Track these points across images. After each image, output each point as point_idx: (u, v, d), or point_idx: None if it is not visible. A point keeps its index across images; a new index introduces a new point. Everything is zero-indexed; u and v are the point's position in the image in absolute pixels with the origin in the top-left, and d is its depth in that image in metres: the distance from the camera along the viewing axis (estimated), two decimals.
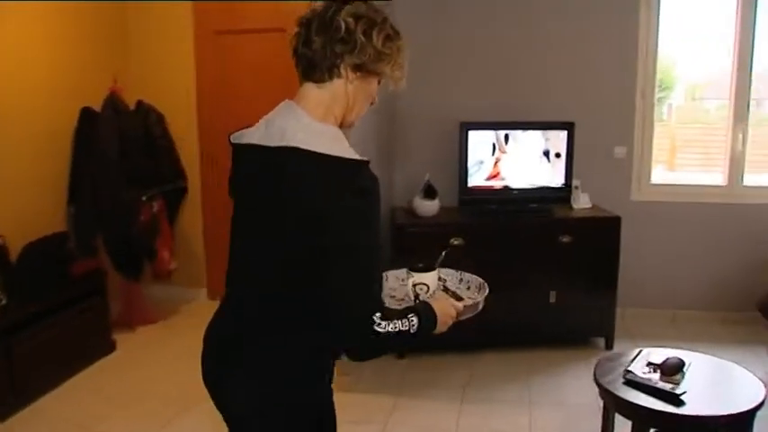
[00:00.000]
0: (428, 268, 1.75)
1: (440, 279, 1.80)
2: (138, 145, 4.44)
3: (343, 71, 1.46)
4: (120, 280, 4.53)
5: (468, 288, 1.83)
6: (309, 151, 1.37)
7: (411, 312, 1.45)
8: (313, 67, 1.47)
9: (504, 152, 4.10)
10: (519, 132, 4.11)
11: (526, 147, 4.13)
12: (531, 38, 4.43)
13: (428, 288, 1.74)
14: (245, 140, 1.53)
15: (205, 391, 1.60)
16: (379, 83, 1.54)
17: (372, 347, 1.41)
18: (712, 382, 2.57)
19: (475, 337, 3.98)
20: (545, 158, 4.14)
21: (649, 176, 4.55)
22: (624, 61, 4.40)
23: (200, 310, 4.67)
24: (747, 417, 2.37)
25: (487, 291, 1.76)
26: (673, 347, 2.95)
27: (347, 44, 1.43)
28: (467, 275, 1.88)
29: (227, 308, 1.59)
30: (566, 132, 4.11)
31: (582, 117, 4.26)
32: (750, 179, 4.52)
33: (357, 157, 1.39)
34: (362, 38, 1.42)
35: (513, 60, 4.46)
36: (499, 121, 4.18)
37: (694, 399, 2.39)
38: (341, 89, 1.48)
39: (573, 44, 4.41)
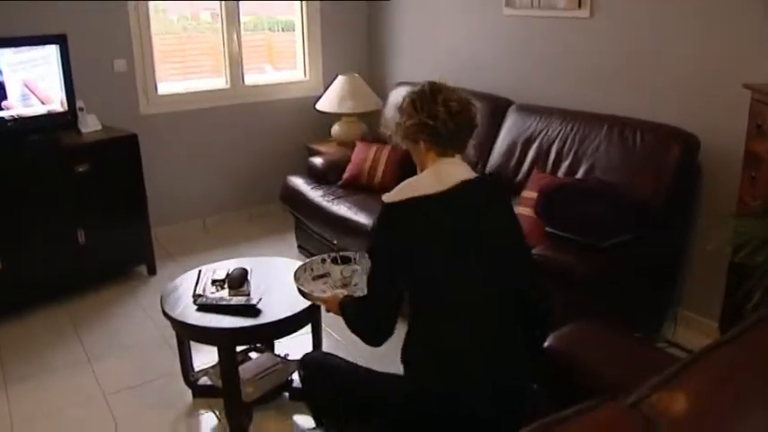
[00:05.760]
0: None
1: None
2: None
3: None
4: None
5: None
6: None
7: None
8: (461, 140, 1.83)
9: None
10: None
11: (10, 67, 3.45)
12: None
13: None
14: (436, 190, 1.72)
15: None
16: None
17: None
18: (275, 282, 2.57)
19: None
20: (38, 79, 3.54)
21: (156, 88, 4.31)
22: None
23: None
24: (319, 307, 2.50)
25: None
26: (217, 258, 2.95)
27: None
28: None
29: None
30: (57, 47, 3.55)
31: (75, 29, 3.75)
32: (249, 79, 4.68)
33: None
34: None
35: None
36: None
37: (268, 305, 2.41)
38: None
39: None
